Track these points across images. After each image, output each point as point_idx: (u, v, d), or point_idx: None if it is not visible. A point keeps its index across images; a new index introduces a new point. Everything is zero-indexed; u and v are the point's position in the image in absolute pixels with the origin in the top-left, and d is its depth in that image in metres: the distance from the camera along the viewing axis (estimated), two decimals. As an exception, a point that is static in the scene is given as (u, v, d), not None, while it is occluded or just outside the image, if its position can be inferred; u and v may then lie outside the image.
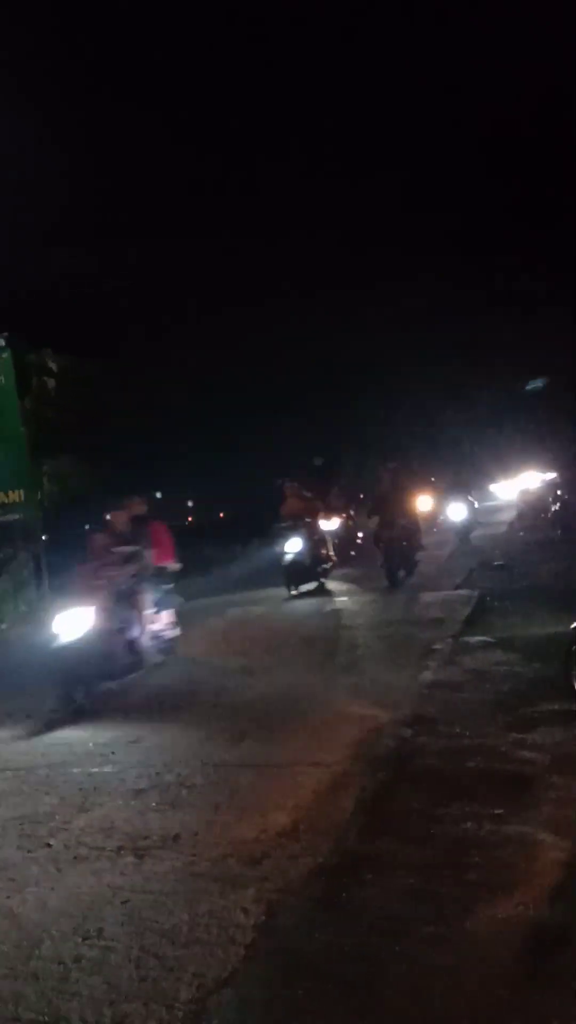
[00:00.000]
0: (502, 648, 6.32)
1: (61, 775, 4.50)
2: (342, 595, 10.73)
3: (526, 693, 4.96)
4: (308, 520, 11.26)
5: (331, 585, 11.49)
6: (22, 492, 12.13)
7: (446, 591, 9.87)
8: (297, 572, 10.86)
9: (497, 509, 24.58)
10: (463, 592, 9.65)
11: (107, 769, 4.52)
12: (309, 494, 12.16)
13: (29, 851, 3.51)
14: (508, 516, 19.45)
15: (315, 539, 11.10)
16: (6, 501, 12.04)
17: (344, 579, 12.02)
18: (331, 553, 11.68)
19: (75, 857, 3.39)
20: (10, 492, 12.03)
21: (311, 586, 11.06)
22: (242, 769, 4.26)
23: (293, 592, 10.78)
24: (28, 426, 12.53)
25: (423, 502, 16.92)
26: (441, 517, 16.97)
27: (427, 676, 5.74)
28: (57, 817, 3.86)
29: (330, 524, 13.03)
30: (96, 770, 4.52)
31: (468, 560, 12.78)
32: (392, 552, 10.74)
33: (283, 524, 11.25)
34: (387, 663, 6.36)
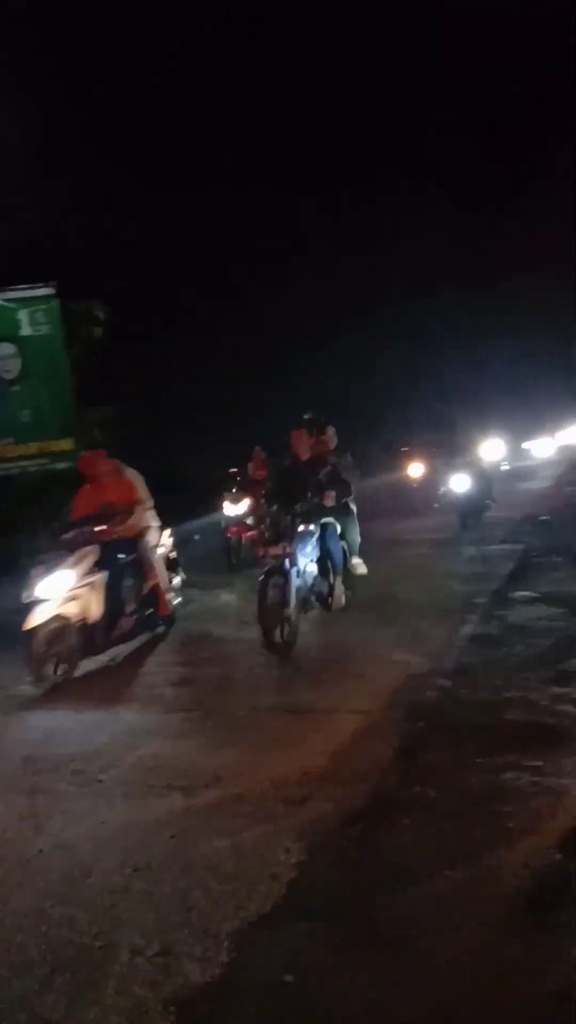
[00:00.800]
0: (545, 603, 6.30)
1: (111, 715, 4.67)
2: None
3: (568, 648, 4.96)
4: None
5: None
6: (71, 440, 12.33)
7: (492, 545, 9.83)
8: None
9: (529, 472, 23.86)
10: (507, 547, 9.60)
11: (156, 709, 4.68)
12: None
13: (81, 786, 3.68)
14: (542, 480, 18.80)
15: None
16: (55, 450, 12.27)
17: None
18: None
19: (124, 793, 3.54)
20: (60, 441, 12.25)
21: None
22: (284, 714, 4.37)
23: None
24: (75, 375, 12.66)
25: (413, 468, 16.65)
26: (442, 488, 13.24)
27: (467, 629, 5.76)
28: (107, 755, 4.02)
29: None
30: (144, 710, 4.69)
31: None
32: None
33: None
34: (428, 616, 6.38)
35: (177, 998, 2.17)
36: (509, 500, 14.78)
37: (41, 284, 12.30)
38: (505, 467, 22.24)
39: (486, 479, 12.14)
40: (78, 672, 5.59)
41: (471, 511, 11.68)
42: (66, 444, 12.34)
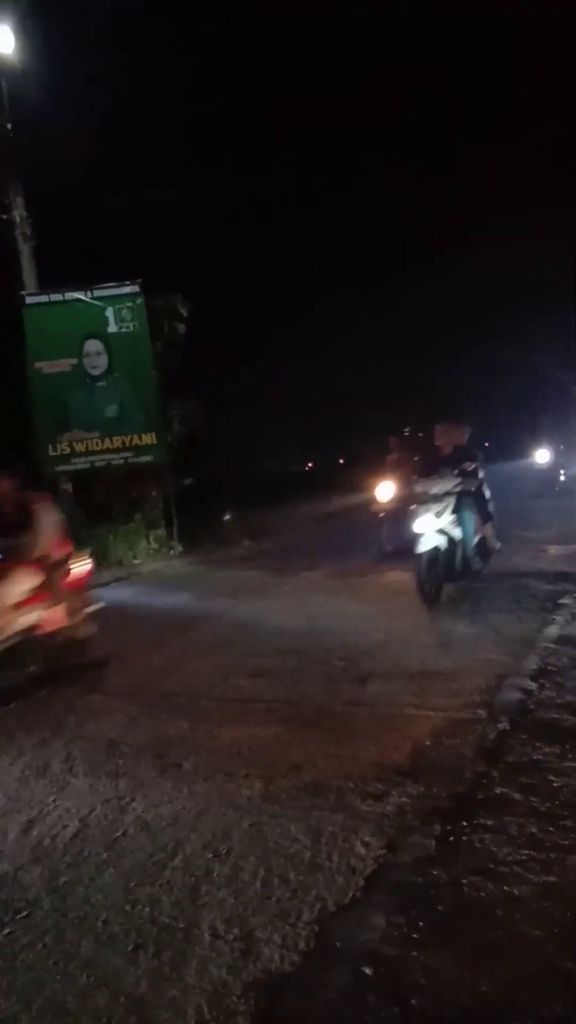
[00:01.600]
0: None
1: (191, 703, 4.76)
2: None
3: None
4: None
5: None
6: (154, 435, 12.60)
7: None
8: None
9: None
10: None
11: (236, 698, 4.74)
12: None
13: (163, 771, 3.76)
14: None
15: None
16: (139, 443, 12.55)
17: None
18: None
19: (205, 779, 3.60)
20: (143, 435, 12.53)
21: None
22: (363, 708, 4.35)
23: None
24: (158, 370, 12.93)
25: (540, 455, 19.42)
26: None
27: (553, 631, 5.61)
28: (188, 741, 4.10)
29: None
30: (224, 699, 4.75)
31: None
32: None
33: None
34: (512, 615, 6.25)
35: (256, 983, 2.19)
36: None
37: (127, 282, 12.60)
38: None
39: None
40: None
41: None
42: (149, 438, 12.62)
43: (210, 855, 2.92)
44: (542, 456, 18.05)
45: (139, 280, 12.63)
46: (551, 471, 17.22)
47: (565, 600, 6.51)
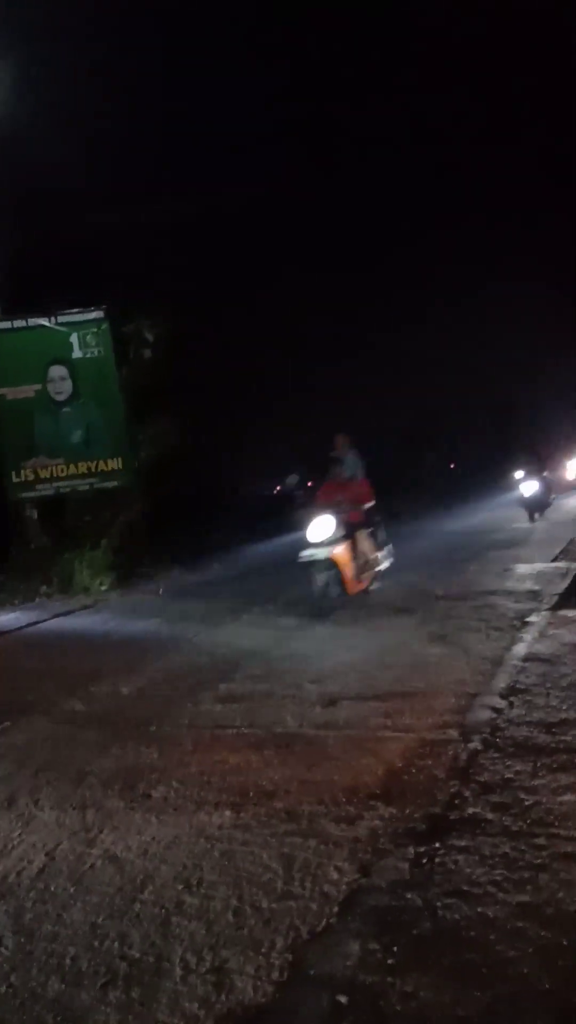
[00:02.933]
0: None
1: (163, 731, 4.68)
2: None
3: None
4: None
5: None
6: (120, 460, 12.54)
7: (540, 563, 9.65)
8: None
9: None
10: (560, 564, 9.40)
11: (204, 726, 4.68)
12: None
13: (131, 802, 3.69)
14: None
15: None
16: (105, 469, 12.48)
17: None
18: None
19: (174, 809, 3.53)
20: (109, 460, 12.47)
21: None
22: (334, 731, 4.32)
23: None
24: (125, 394, 12.90)
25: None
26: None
27: (521, 648, 5.64)
28: (157, 770, 4.03)
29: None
30: (192, 727, 4.68)
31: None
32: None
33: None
34: (480, 634, 6.28)
35: (230, 1015, 2.14)
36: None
37: (92, 308, 12.59)
38: None
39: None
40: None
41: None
42: (115, 463, 12.56)
43: (180, 886, 2.86)
44: (528, 488, 14.91)
45: (104, 306, 12.64)
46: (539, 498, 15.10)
47: (532, 619, 6.57)
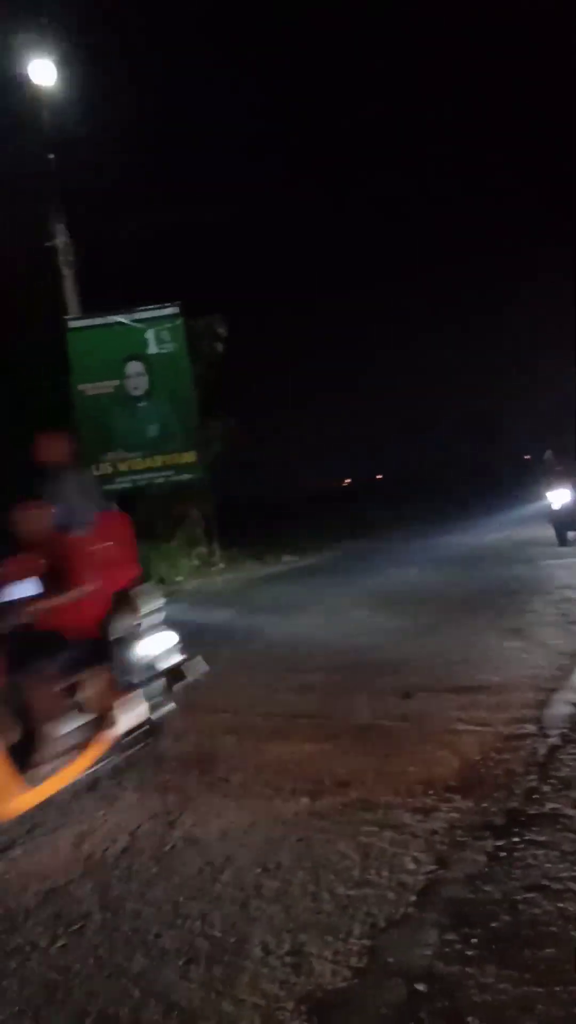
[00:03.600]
0: None
1: (236, 718, 4.76)
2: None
3: None
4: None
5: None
6: (194, 454, 12.75)
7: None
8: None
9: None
10: None
11: (280, 713, 4.74)
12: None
13: (210, 786, 3.77)
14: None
15: None
16: (180, 462, 12.71)
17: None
18: None
19: (252, 795, 3.60)
20: (184, 454, 12.68)
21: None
22: (409, 723, 4.31)
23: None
24: (198, 389, 13.10)
25: None
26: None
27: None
28: (235, 756, 4.10)
29: None
30: (269, 714, 4.75)
31: None
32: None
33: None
34: (559, 628, 6.15)
35: (309, 998, 2.18)
36: None
37: (166, 304, 12.81)
38: None
39: None
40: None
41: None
42: (189, 457, 12.77)
43: (259, 870, 2.91)
44: (558, 498, 11.54)
45: (178, 302, 12.85)
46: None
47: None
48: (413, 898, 2.59)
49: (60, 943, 2.62)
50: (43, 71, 12.65)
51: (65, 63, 12.78)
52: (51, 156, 12.86)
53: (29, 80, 12.64)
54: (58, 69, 12.73)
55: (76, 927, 2.70)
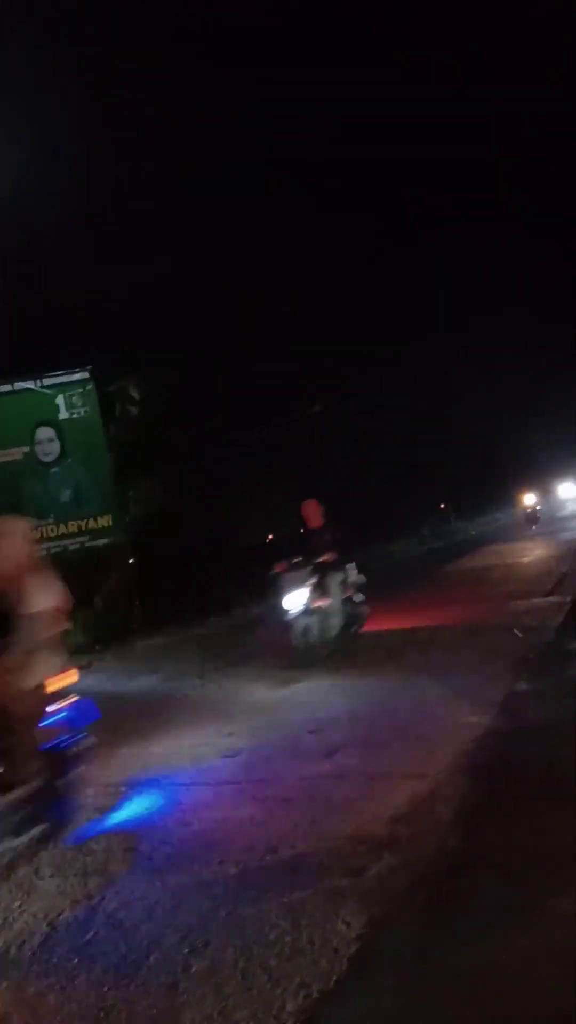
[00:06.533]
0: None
1: (163, 789, 4.61)
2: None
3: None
4: None
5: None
6: (110, 517, 12.57)
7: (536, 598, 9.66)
8: None
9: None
10: (554, 599, 9.42)
11: (204, 781, 4.61)
12: None
13: (133, 865, 3.61)
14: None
15: None
16: (95, 527, 12.50)
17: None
18: None
19: (177, 870, 3.46)
20: (99, 518, 12.50)
21: None
22: (336, 780, 4.26)
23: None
24: (112, 452, 13.00)
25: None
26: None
27: (522, 686, 5.62)
28: (158, 832, 3.95)
29: None
30: (192, 783, 4.62)
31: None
32: None
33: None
34: (478, 671, 6.25)
35: None
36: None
37: (77, 369, 12.76)
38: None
39: None
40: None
41: None
42: (105, 521, 12.58)
43: (187, 950, 2.78)
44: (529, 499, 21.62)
45: (89, 367, 12.81)
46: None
47: (532, 655, 6.55)
48: (346, 964, 2.52)
49: None
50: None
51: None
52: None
53: None
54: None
55: (-9, 1033, 2.51)
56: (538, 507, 26.19)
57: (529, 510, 26.13)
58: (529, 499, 26.84)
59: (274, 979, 2.50)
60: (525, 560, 16.05)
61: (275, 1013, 2.33)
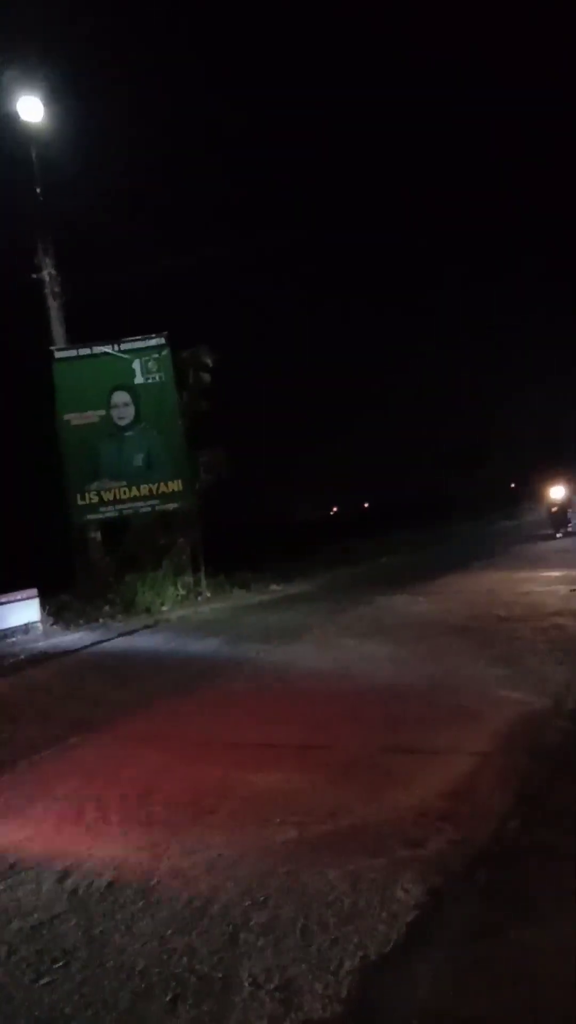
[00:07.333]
0: None
1: (226, 749, 4.71)
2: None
3: None
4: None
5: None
6: (180, 482, 12.75)
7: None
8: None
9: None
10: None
11: (269, 743, 4.69)
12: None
13: (196, 818, 3.71)
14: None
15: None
16: (166, 491, 12.70)
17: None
18: None
19: (239, 826, 3.54)
20: (170, 483, 12.69)
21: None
22: (399, 753, 4.28)
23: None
24: (185, 419, 13.15)
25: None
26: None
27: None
28: (222, 788, 4.05)
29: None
30: (257, 745, 4.70)
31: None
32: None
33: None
34: (545, 654, 6.15)
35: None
36: None
37: (153, 335, 12.90)
38: None
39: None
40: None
41: None
42: (175, 486, 12.77)
43: (248, 903, 2.86)
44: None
45: (165, 333, 12.94)
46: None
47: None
48: (404, 929, 2.55)
49: (44, 980, 2.55)
50: (31, 108, 12.83)
51: (55, 99, 13.00)
52: (38, 190, 13.01)
53: (18, 117, 12.83)
54: (47, 105, 12.93)
55: (60, 964, 2.64)
56: (571, 507, 18.54)
57: (555, 508, 18.35)
58: (557, 493, 18.52)
59: (332, 938, 2.56)
60: None
61: (332, 971, 2.38)
